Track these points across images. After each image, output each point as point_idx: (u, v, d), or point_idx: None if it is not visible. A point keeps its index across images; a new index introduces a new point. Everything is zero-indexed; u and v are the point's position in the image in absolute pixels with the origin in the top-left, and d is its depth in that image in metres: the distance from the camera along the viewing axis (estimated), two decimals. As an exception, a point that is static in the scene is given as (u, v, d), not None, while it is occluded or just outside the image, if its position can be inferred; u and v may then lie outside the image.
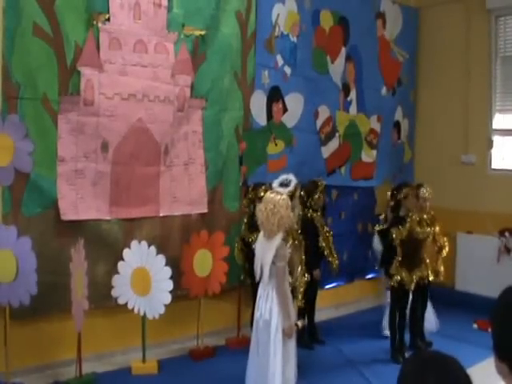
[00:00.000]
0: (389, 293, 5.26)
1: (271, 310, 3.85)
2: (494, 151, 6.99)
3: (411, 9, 7.48)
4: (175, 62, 5.09)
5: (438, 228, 5.42)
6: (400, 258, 5.00)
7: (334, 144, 6.59)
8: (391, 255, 5.03)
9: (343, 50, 6.60)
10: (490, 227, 6.62)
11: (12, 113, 4.23)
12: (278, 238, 3.83)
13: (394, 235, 5.01)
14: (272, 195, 3.92)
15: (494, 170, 6.97)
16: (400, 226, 5.03)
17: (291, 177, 4.26)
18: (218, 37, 5.37)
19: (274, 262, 3.83)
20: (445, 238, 5.48)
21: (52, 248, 4.48)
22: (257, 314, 3.97)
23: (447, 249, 5.49)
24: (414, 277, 5.04)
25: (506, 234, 6.56)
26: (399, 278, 5.00)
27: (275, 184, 4.18)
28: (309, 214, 5.36)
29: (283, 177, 4.37)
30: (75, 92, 4.57)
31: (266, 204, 3.87)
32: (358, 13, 6.67)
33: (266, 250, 3.86)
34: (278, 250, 3.82)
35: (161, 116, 5.02)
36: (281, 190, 4.02)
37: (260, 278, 3.94)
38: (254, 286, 4.42)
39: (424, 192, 5.33)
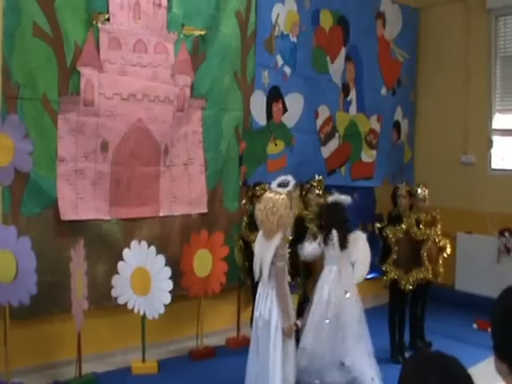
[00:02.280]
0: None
1: (271, 309, 3.85)
2: (493, 151, 6.99)
3: (411, 9, 7.48)
4: (175, 62, 5.09)
5: (439, 229, 5.40)
6: (395, 257, 5.01)
7: (333, 144, 6.60)
8: (387, 254, 5.04)
9: (343, 50, 6.60)
10: (489, 227, 6.62)
11: (12, 113, 4.23)
12: (277, 238, 3.83)
13: (387, 233, 5.02)
14: (271, 195, 3.92)
15: (494, 170, 6.97)
16: (396, 225, 5.03)
17: (290, 178, 4.27)
18: (217, 37, 5.37)
19: (273, 262, 3.83)
20: (447, 240, 5.46)
21: (52, 248, 4.48)
22: (256, 314, 3.97)
23: (449, 250, 5.46)
24: (411, 277, 5.04)
25: (506, 234, 6.55)
26: (393, 276, 5.00)
27: (273, 185, 4.18)
28: (301, 214, 5.37)
29: (282, 178, 4.38)
30: (75, 92, 4.58)
31: (265, 203, 3.87)
32: (358, 13, 6.68)
33: (266, 249, 3.86)
34: (278, 249, 3.82)
35: (161, 116, 5.02)
36: (280, 190, 4.02)
37: (259, 277, 3.94)
38: (254, 286, 4.42)
39: (419, 192, 5.33)
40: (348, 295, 4.46)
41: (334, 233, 4.47)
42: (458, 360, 1.36)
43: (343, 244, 4.47)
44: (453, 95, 7.23)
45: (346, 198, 4.68)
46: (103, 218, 4.81)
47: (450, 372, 1.31)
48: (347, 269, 4.51)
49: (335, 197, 4.69)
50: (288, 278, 4.00)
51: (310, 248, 4.64)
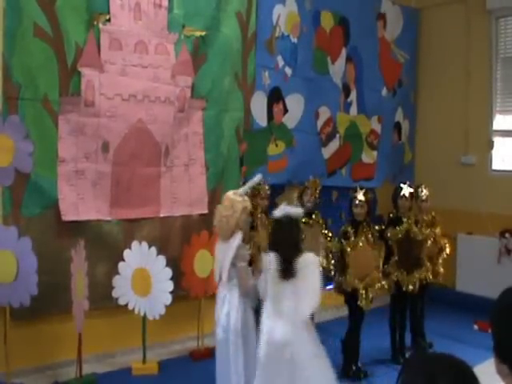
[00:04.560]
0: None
1: (229, 313, 3.78)
2: (494, 152, 6.99)
3: (412, 10, 7.48)
4: (176, 63, 5.09)
5: (438, 229, 5.40)
6: (396, 258, 4.98)
7: (334, 145, 6.59)
8: (388, 255, 5.02)
9: (344, 51, 6.60)
10: (490, 228, 6.61)
11: (12, 113, 4.24)
12: (236, 239, 3.76)
13: (389, 235, 4.99)
14: (226, 195, 3.98)
15: (495, 170, 6.97)
16: (396, 227, 5.02)
17: (256, 177, 4.15)
18: (218, 37, 5.37)
19: (234, 264, 3.76)
20: (446, 240, 5.46)
21: (52, 248, 4.48)
22: (215, 318, 3.87)
23: (448, 250, 5.46)
24: (412, 278, 5.02)
25: (507, 235, 6.55)
26: (395, 278, 4.98)
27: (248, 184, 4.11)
28: None
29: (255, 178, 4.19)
30: (76, 93, 4.58)
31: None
32: (359, 14, 6.68)
33: (225, 251, 3.80)
34: (238, 250, 3.75)
35: (161, 117, 5.02)
36: (239, 190, 3.98)
37: (219, 280, 3.89)
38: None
39: (423, 193, 5.33)
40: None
41: (272, 258, 3.58)
42: (463, 360, 1.34)
43: (288, 273, 3.52)
44: (453, 96, 7.23)
45: (295, 211, 3.75)
46: (104, 219, 4.81)
47: (458, 371, 1.30)
48: (291, 302, 3.51)
49: (282, 210, 3.74)
50: (253, 279, 3.85)
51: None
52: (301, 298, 3.46)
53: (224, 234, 3.82)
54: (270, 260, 3.58)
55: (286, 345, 3.41)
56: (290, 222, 3.64)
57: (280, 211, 3.70)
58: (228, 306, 3.79)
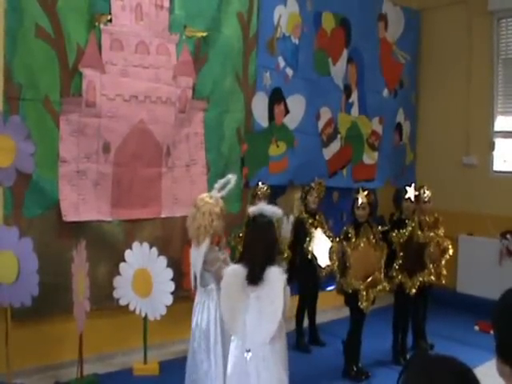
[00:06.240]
0: None
1: (208, 319, 3.74)
2: (495, 153, 6.99)
3: (413, 11, 7.49)
4: (177, 64, 5.09)
5: (441, 230, 5.39)
6: (400, 262, 4.95)
7: (335, 146, 6.59)
8: (391, 258, 4.99)
9: (345, 52, 6.60)
10: (491, 229, 6.61)
11: (14, 114, 4.23)
12: (203, 245, 3.73)
13: (392, 238, 4.94)
14: (200, 198, 3.88)
15: (496, 172, 6.97)
16: (400, 229, 4.99)
17: (232, 177, 3.94)
18: (219, 38, 5.37)
19: (206, 270, 3.73)
20: (448, 241, 5.45)
21: (53, 249, 4.48)
22: (192, 324, 3.82)
23: (451, 252, 5.45)
24: (416, 281, 4.99)
25: (508, 236, 6.55)
26: (399, 281, 4.96)
27: (216, 185, 4.01)
28: (301, 216, 5.36)
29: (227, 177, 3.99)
30: (77, 93, 4.58)
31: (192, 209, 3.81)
32: (360, 15, 6.68)
33: (196, 257, 3.78)
34: (206, 255, 3.72)
35: (162, 117, 5.02)
36: (216, 193, 3.92)
37: (195, 286, 3.86)
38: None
39: (426, 194, 5.32)
40: (249, 356, 3.16)
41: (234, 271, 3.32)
42: (464, 362, 1.34)
43: (255, 278, 3.19)
44: (455, 97, 7.23)
45: (272, 211, 3.40)
46: (105, 219, 4.81)
47: (459, 374, 1.30)
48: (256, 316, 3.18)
49: (258, 208, 3.45)
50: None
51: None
52: (261, 319, 3.13)
53: (200, 240, 3.77)
54: (231, 273, 3.30)
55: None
56: (263, 223, 3.33)
57: (256, 209, 3.42)
58: (207, 312, 3.76)
